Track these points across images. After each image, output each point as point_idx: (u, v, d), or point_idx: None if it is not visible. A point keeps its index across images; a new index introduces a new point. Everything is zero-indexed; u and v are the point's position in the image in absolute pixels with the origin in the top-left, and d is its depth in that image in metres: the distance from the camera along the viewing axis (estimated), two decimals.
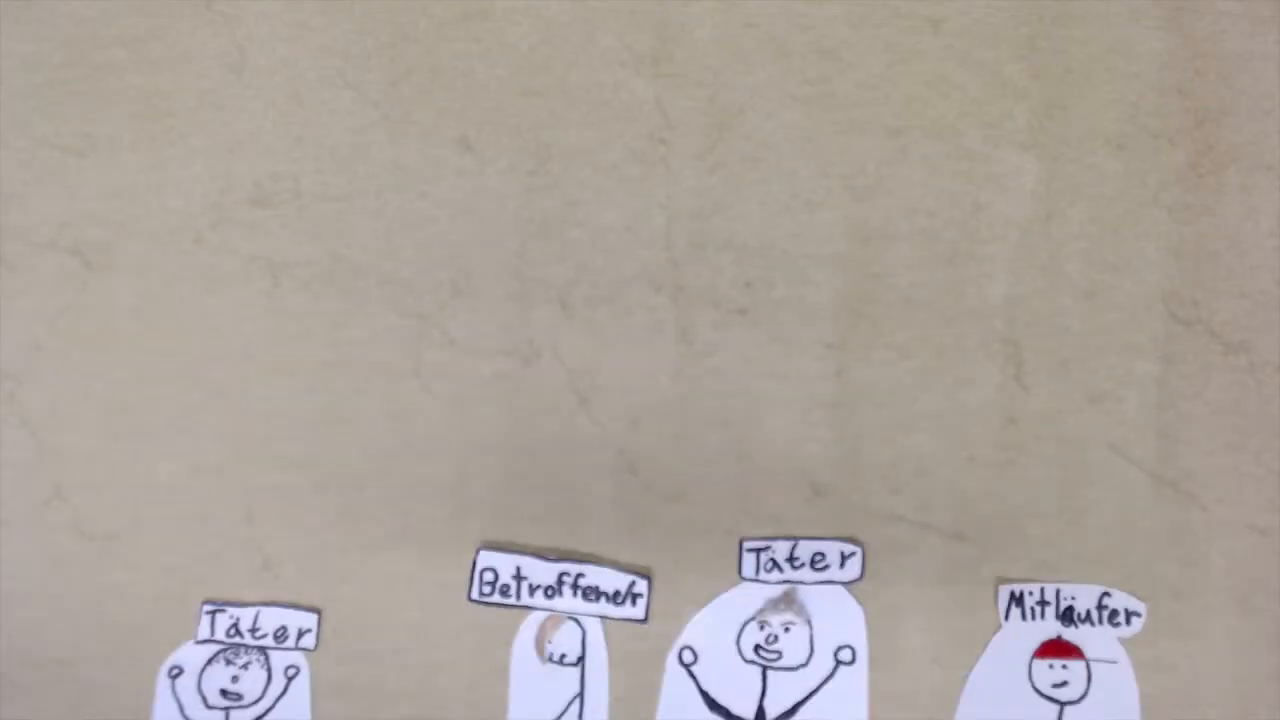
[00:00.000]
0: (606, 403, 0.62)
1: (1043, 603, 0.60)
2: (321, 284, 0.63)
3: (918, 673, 0.60)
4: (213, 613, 0.62)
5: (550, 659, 0.61)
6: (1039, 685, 0.60)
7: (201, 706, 0.62)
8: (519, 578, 0.61)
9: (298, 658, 0.62)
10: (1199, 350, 0.61)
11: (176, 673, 0.62)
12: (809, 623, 0.61)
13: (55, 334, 0.63)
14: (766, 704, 0.61)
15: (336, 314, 0.63)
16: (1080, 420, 0.61)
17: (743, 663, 0.61)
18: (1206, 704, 0.60)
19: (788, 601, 0.61)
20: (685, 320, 0.62)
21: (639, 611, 0.61)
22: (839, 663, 0.60)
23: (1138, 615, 0.60)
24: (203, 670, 0.62)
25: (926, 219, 0.62)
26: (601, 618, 0.61)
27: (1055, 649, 0.60)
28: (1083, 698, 0.60)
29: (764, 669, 0.61)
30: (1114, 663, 0.60)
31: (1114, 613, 0.60)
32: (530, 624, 0.61)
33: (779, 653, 0.61)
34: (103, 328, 0.63)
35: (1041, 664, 0.60)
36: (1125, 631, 0.60)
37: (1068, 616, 0.60)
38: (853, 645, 0.60)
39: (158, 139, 0.64)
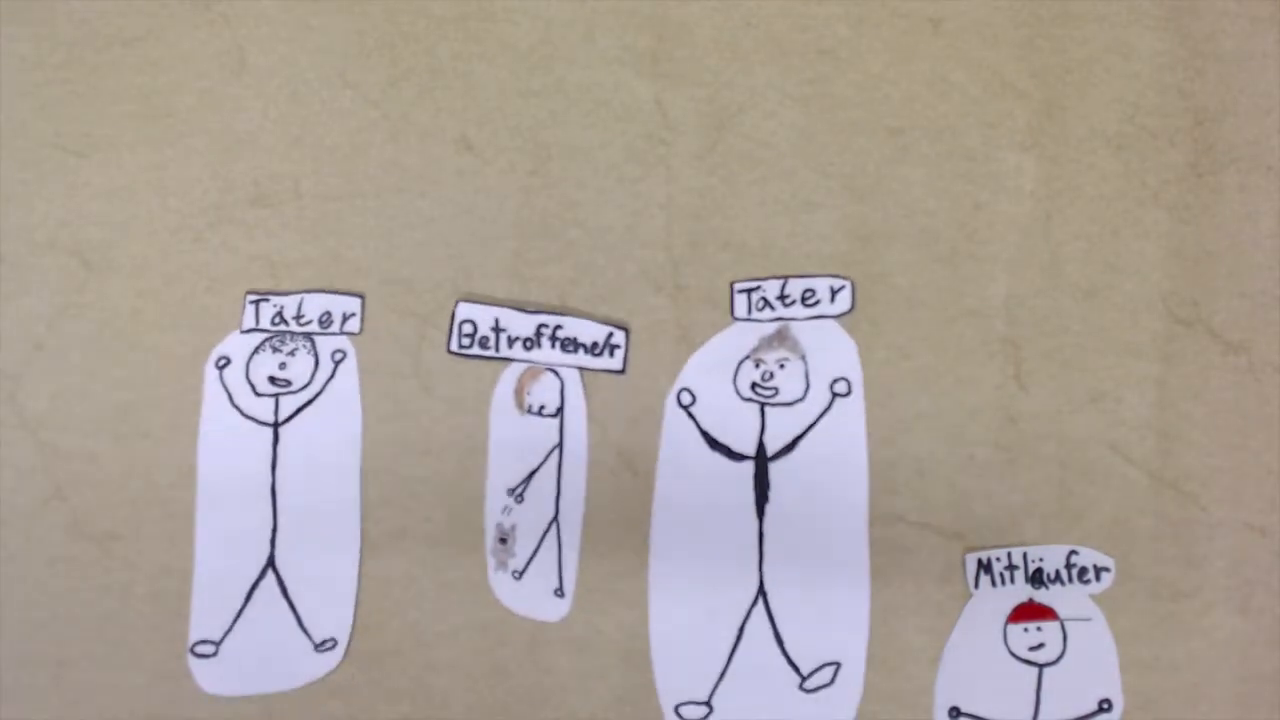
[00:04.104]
0: (606, 403, 0.62)
1: (1011, 567, 0.60)
2: (321, 284, 0.63)
3: (918, 672, 0.60)
4: (256, 302, 0.61)
5: (529, 410, 0.61)
6: (1015, 650, 0.60)
7: (250, 394, 0.61)
8: (498, 330, 0.61)
9: (343, 342, 0.61)
10: (1199, 350, 0.61)
11: (224, 363, 0.61)
12: (803, 358, 0.61)
13: (55, 334, 0.63)
14: (766, 440, 0.60)
15: None
16: (1080, 420, 0.61)
17: (740, 401, 0.61)
18: (1206, 704, 0.60)
19: (781, 338, 0.60)
20: (685, 320, 0.62)
21: (616, 363, 0.61)
22: (835, 395, 0.60)
23: (1107, 571, 0.60)
24: (250, 359, 0.61)
25: (926, 219, 0.62)
26: (580, 369, 0.61)
27: (1028, 612, 0.60)
28: (1060, 658, 0.59)
29: (761, 406, 0.61)
30: (1088, 620, 0.59)
31: (1083, 570, 0.60)
32: (509, 376, 0.61)
33: (775, 389, 0.61)
34: (103, 328, 0.63)
35: (1016, 628, 0.60)
36: (1096, 588, 0.60)
37: (1037, 578, 0.60)
38: (847, 377, 0.60)
39: (158, 139, 0.64)
